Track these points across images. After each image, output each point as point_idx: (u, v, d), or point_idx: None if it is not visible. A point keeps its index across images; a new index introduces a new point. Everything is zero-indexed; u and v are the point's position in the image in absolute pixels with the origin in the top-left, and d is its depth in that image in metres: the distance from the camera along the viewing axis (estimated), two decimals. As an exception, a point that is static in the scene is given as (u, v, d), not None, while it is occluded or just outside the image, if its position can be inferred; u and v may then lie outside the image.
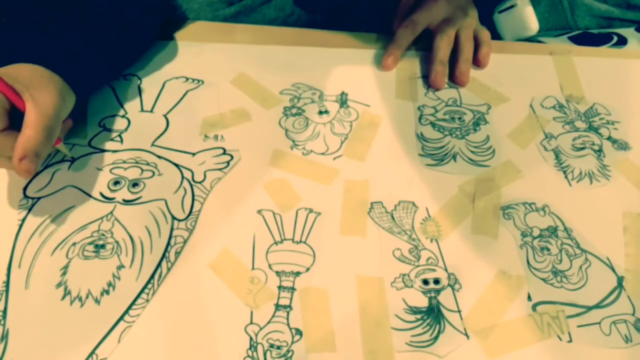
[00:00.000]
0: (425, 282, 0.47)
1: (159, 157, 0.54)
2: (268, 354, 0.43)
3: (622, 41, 0.69)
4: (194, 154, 0.55)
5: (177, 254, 0.48)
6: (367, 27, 0.69)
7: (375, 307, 0.46)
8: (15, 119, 0.46)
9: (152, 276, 0.46)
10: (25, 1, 0.53)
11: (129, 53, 0.62)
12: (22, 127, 0.45)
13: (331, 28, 0.68)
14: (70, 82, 0.50)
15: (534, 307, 0.46)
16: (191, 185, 0.52)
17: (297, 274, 0.47)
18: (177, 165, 0.54)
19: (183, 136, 0.56)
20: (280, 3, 0.71)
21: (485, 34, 0.65)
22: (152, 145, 0.55)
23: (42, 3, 0.53)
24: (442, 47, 0.63)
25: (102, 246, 0.48)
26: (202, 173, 0.53)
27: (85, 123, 0.57)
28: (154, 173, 0.53)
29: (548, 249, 0.49)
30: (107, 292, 0.45)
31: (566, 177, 0.55)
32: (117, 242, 0.48)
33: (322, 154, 0.56)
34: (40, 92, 0.46)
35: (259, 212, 0.51)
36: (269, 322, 0.44)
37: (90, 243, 0.48)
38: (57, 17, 0.53)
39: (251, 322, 0.44)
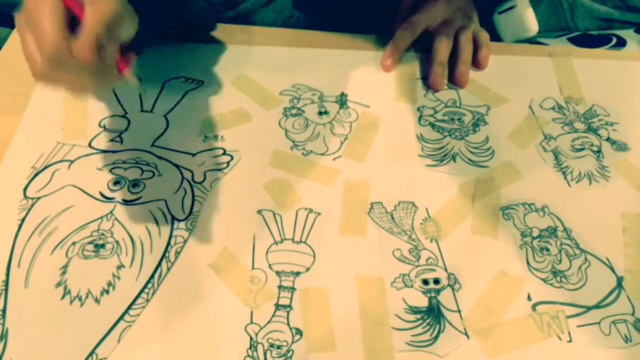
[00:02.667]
0: (425, 282, 0.47)
1: (159, 157, 0.54)
2: (268, 353, 0.43)
3: (621, 43, 0.70)
4: (193, 155, 0.55)
5: (177, 253, 0.48)
6: (366, 29, 0.69)
7: (375, 307, 0.46)
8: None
9: (152, 276, 0.46)
10: None
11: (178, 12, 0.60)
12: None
13: (330, 30, 0.68)
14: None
15: (533, 307, 0.46)
16: (191, 186, 0.52)
17: (297, 273, 0.47)
18: (177, 166, 0.54)
19: (183, 136, 0.56)
20: (279, 6, 0.71)
21: (484, 36, 0.66)
22: (152, 145, 0.55)
23: None
24: (442, 48, 0.63)
25: (102, 246, 0.48)
26: (202, 173, 0.53)
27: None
28: (154, 174, 0.53)
29: (548, 249, 0.49)
30: (107, 292, 0.45)
31: (565, 177, 0.55)
32: (117, 241, 0.48)
33: (322, 154, 0.56)
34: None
35: (259, 212, 0.51)
36: (269, 322, 0.44)
37: (90, 242, 0.48)
38: None
39: (251, 322, 0.44)
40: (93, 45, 0.40)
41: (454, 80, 0.63)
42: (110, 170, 0.53)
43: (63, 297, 0.45)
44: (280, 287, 0.46)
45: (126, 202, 0.51)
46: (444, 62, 0.64)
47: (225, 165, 0.54)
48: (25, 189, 0.51)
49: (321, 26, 0.70)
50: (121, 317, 0.44)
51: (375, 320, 0.45)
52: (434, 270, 0.48)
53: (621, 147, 0.58)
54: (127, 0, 0.44)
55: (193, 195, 0.52)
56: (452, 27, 0.65)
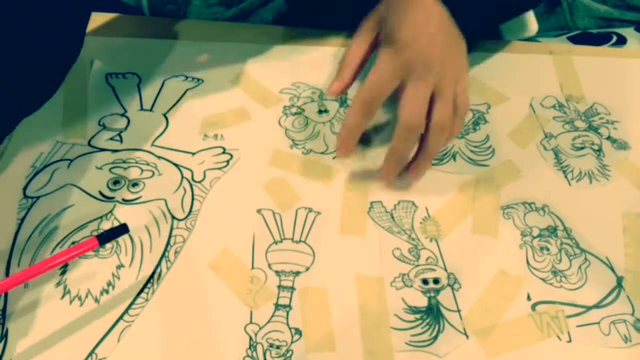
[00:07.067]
0: (425, 281, 0.47)
1: (159, 157, 0.54)
2: (268, 353, 0.43)
3: (621, 41, 0.69)
4: (193, 154, 0.55)
5: (177, 253, 0.48)
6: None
7: (375, 307, 0.46)
8: None
9: (152, 276, 0.46)
10: None
11: None
12: None
13: (331, 28, 0.68)
14: None
15: (533, 307, 0.46)
16: (191, 185, 0.52)
17: (297, 273, 0.47)
18: (176, 165, 0.54)
19: (183, 135, 0.56)
20: (277, 5, 0.71)
21: (461, 106, 0.49)
22: (152, 145, 0.55)
23: None
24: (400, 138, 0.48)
25: (102, 245, 0.48)
26: (202, 172, 0.53)
27: (85, 121, 0.57)
28: (153, 173, 0.53)
29: (548, 249, 0.49)
30: (107, 292, 0.45)
31: (566, 176, 0.55)
32: (116, 241, 0.48)
33: (322, 153, 0.56)
34: None
35: (259, 211, 0.51)
36: (268, 322, 0.44)
37: (89, 242, 0.48)
38: None
39: (251, 322, 0.44)
40: None
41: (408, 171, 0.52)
42: (110, 170, 0.53)
43: (63, 296, 0.45)
44: (279, 286, 0.46)
45: (126, 202, 0.51)
46: (403, 156, 0.50)
47: (224, 164, 0.54)
48: (25, 188, 0.51)
49: (321, 25, 0.70)
50: (121, 317, 0.44)
51: (375, 320, 0.45)
52: (433, 270, 0.48)
53: (622, 145, 0.57)
54: None
55: (193, 195, 0.52)
56: (423, 88, 0.47)
